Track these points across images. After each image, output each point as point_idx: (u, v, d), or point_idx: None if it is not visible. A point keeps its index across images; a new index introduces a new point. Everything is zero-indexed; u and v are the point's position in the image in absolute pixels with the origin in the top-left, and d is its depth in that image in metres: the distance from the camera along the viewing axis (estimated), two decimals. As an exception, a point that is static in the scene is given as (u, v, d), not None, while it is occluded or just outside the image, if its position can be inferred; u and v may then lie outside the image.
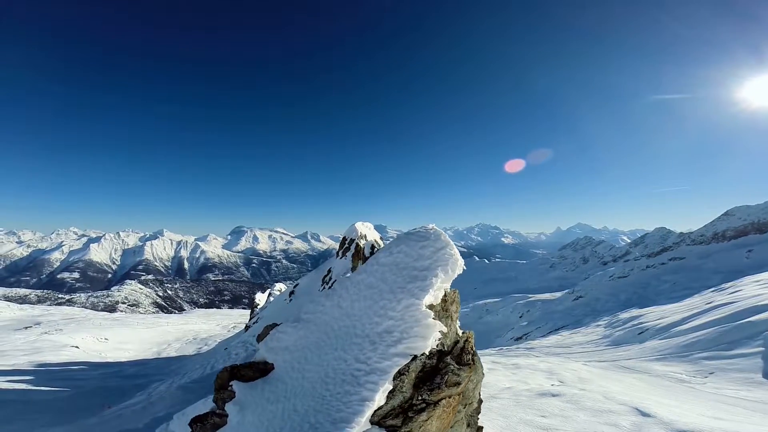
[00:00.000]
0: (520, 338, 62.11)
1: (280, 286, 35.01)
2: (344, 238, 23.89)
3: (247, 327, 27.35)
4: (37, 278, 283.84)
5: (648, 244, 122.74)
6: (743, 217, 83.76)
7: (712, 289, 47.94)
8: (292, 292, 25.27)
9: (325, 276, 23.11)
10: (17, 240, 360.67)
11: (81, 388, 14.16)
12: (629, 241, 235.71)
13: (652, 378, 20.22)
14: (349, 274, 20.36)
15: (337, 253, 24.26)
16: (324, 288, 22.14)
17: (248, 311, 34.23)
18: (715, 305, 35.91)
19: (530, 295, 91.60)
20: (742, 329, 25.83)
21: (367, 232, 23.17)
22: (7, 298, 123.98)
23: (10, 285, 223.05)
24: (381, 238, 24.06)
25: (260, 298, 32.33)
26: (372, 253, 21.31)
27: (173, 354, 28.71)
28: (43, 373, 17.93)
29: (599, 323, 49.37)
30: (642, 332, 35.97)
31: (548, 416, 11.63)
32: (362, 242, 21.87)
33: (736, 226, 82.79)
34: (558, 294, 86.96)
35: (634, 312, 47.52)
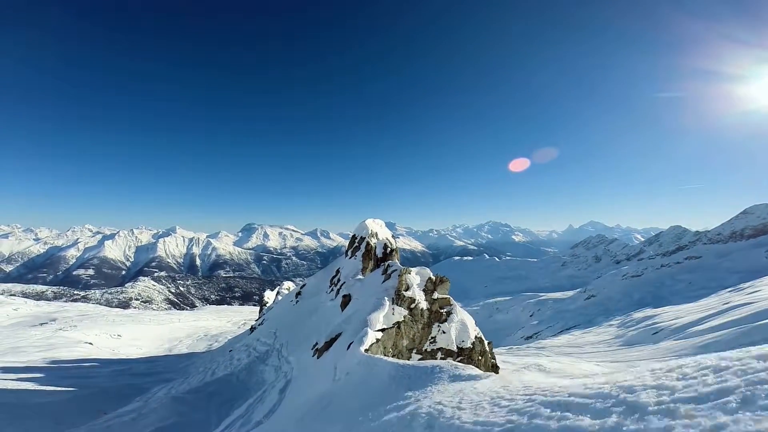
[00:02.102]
0: (531, 337, 61.54)
1: (288, 285, 34.78)
2: (354, 237, 22.76)
3: (252, 328, 26.25)
4: (53, 275, 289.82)
5: (663, 243, 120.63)
6: (762, 216, 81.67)
7: (730, 289, 46.92)
8: (298, 293, 24.48)
9: (334, 277, 21.87)
10: (34, 237, 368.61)
11: (85, 389, 13.94)
12: (643, 239, 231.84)
13: (668, 380, 19.75)
14: (360, 276, 18.79)
15: (346, 252, 23.13)
16: (332, 290, 20.91)
17: (258, 308, 34.16)
18: (732, 305, 35.08)
19: (541, 294, 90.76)
20: (761, 330, 25.11)
21: (379, 229, 22.20)
22: (25, 295, 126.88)
23: (28, 281, 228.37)
24: (393, 236, 23.01)
25: (269, 296, 32.30)
26: (385, 254, 20.08)
27: (184, 350, 28.95)
28: (55, 370, 18.04)
29: (612, 323, 48.67)
30: (656, 332, 35.32)
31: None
32: (373, 241, 20.91)
33: (754, 224, 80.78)
34: (570, 293, 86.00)
35: (648, 312, 46.74)
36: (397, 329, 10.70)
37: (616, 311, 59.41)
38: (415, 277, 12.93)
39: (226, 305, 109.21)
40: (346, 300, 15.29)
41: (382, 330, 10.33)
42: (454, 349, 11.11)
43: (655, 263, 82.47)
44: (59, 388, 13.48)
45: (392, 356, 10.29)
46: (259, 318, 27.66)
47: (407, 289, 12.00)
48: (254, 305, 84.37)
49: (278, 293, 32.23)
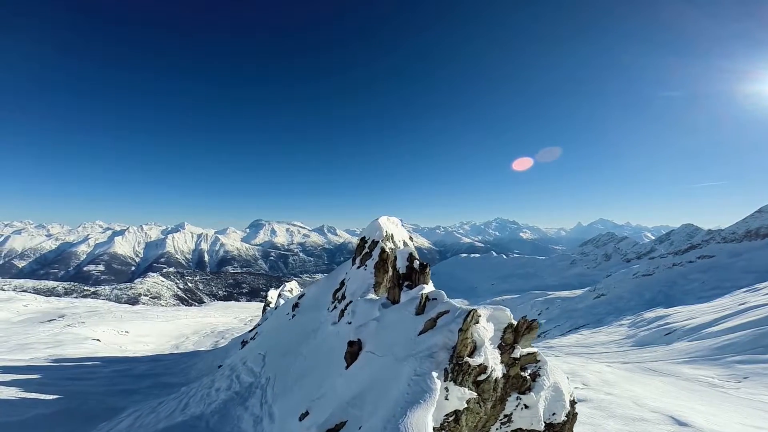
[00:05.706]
0: (539, 336, 60.96)
1: (291, 286, 33.78)
2: (363, 239, 17.03)
3: (243, 342, 22.44)
4: (64, 270, 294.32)
5: (674, 241, 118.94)
6: (778, 214, 79.98)
7: (745, 289, 45.92)
8: (296, 305, 20.04)
9: (337, 291, 16.16)
10: (46, 233, 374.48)
11: (71, 399, 12.87)
12: (653, 237, 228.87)
13: (681, 382, 19.23)
14: (371, 295, 14.09)
15: (354, 258, 17.15)
16: (334, 307, 15.15)
17: (263, 305, 33.62)
18: (749, 306, 34.26)
19: (549, 292, 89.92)
20: (780, 332, 24.45)
21: (395, 230, 17.15)
22: (36, 291, 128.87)
23: (40, 277, 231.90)
24: (410, 238, 18.32)
25: (272, 295, 31.74)
26: (411, 268, 11.62)
27: (190, 347, 28.94)
28: (54, 370, 17.77)
29: (622, 323, 47.91)
30: (669, 333, 34.61)
31: (576, 423, 10.96)
32: (388, 246, 15.59)
33: (770, 223, 79.13)
34: (578, 291, 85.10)
35: (660, 312, 45.91)
36: (455, 424, 6.10)
37: (626, 311, 58.56)
38: (487, 327, 7.22)
39: (233, 301, 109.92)
40: (354, 350, 8.72)
41: None
42: (540, 428, 7.19)
43: (666, 262, 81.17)
44: (41, 397, 12.72)
45: None
46: (253, 330, 24.69)
47: (473, 352, 6.68)
48: (261, 301, 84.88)
49: (280, 295, 31.60)
